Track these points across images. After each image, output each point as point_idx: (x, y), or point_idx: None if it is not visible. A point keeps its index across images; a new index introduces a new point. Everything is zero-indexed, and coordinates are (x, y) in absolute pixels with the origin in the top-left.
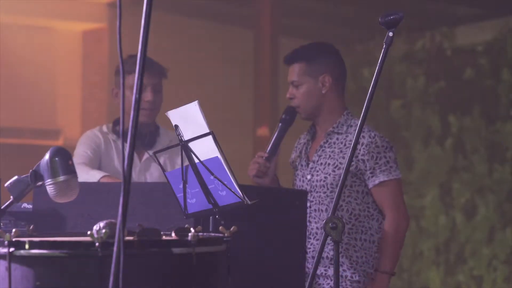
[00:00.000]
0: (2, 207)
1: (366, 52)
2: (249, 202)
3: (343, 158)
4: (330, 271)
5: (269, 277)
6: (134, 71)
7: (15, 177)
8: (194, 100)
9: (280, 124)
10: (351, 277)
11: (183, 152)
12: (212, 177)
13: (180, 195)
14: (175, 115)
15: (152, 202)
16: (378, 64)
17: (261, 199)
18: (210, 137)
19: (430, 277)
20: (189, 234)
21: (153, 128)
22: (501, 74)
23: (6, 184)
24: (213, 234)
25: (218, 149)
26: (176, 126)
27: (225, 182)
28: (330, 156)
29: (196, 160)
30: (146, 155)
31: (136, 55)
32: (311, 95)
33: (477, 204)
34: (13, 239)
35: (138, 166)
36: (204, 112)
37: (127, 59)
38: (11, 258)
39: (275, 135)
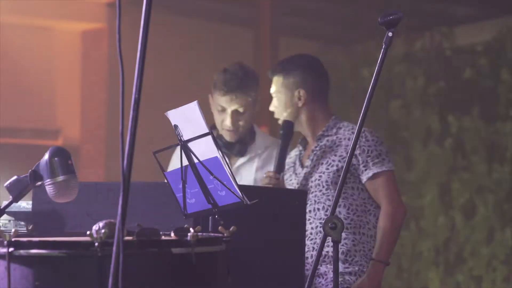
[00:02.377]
0: (1, 207)
1: (365, 52)
2: (248, 202)
3: (335, 155)
4: (322, 269)
5: (268, 277)
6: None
7: (15, 177)
8: (193, 100)
9: (280, 141)
10: (349, 272)
11: (183, 152)
12: (211, 177)
13: (179, 195)
14: (175, 115)
15: (152, 202)
16: (377, 64)
17: (261, 199)
18: (209, 137)
19: (430, 277)
20: (189, 234)
21: (245, 136)
22: (501, 74)
23: (5, 184)
24: (212, 234)
25: (217, 149)
26: (176, 126)
27: (225, 182)
28: (322, 156)
29: (196, 160)
30: (238, 162)
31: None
32: (287, 106)
33: (476, 204)
34: (13, 239)
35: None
36: (203, 112)
37: (225, 74)
38: (10, 258)
39: (278, 152)
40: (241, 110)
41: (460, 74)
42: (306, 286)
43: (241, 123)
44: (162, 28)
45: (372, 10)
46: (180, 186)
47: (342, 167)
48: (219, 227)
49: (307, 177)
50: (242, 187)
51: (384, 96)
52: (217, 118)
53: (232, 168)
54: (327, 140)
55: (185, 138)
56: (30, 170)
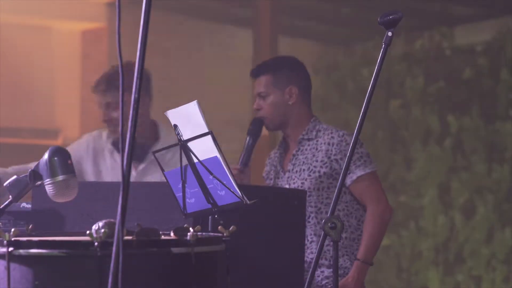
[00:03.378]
0: (1, 207)
1: (365, 52)
2: (248, 202)
3: (317, 161)
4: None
5: (268, 276)
6: (104, 91)
7: (14, 177)
8: (193, 100)
9: (248, 136)
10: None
11: (182, 152)
12: (211, 177)
13: (179, 195)
14: (174, 115)
15: (151, 201)
16: (377, 64)
17: (260, 199)
18: (209, 137)
19: (429, 277)
20: (188, 233)
21: (147, 141)
22: (500, 74)
23: (5, 184)
24: (212, 233)
25: (217, 149)
26: (175, 125)
27: (224, 182)
28: (304, 162)
29: (195, 160)
30: (141, 166)
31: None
32: (278, 105)
33: (476, 204)
34: (12, 239)
35: (133, 177)
36: (203, 112)
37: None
38: (10, 257)
39: (245, 147)
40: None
41: (460, 74)
42: (305, 285)
43: (114, 115)
44: (161, 28)
45: (371, 10)
46: (180, 185)
47: (324, 173)
48: (219, 227)
49: (289, 182)
50: (242, 187)
51: (383, 96)
52: (106, 115)
53: (137, 173)
54: (308, 145)
55: (185, 137)
56: (29, 170)
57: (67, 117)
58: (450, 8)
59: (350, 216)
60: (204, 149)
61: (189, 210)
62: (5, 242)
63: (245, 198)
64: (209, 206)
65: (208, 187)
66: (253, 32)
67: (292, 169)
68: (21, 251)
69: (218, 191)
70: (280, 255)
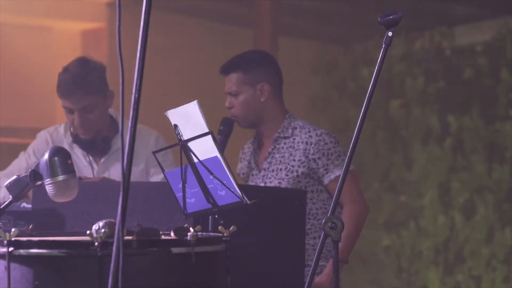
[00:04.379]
0: (1, 207)
1: (365, 52)
2: (248, 202)
3: (294, 160)
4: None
5: (268, 276)
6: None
7: (15, 177)
8: (193, 100)
9: (219, 136)
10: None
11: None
12: (211, 177)
13: (179, 195)
14: (175, 115)
15: (151, 201)
16: (377, 64)
17: (260, 199)
18: (209, 137)
19: (429, 276)
20: (188, 233)
21: (107, 130)
22: (500, 74)
23: (5, 184)
24: (212, 233)
25: (217, 149)
26: (176, 125)
27: (224, 182)
28: (280, 161)
29: (196, 160)
30: (103, 159)
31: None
32: (250, 103)
33: (476, 204)
34: (12, 239)
35: (95, 169)
36: (203, 112)
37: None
38: (10, 257)
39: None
40: (88, 109)
41: (460, 74)
42: (306, 285)
43: (92, 120)
44: (161, 27)
45: (372, 10)
46: (180, 185)
47: (302, 172)
48: (219, 227)
49: (265, 180)
50: (242, 187)
51: (383, 95)
52: (67, 117)
53: (98, 166)
54: (285, 143)
55: (185, 137)
56: (30, 170)
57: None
58: (450, 8)
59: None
60: (204, 149)
61: (189, 210)
62: (5, 242)
63: (245, 198)
64: (209, 206)
65: (208, 187)
66: (253, 31)
67: (268, 168)
68: (21, 251)
69: (218, 191)
70: (280, 255)
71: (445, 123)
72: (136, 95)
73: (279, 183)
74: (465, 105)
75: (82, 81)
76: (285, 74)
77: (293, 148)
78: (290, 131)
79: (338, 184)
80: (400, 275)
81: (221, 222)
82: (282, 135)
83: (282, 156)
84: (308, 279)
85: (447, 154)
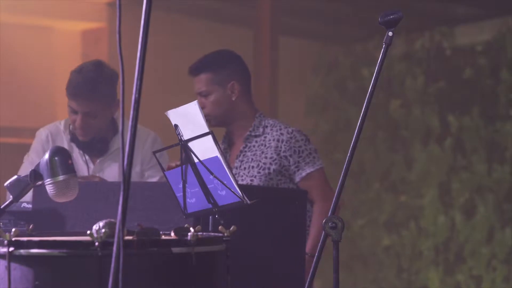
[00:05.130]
0: (1, 207)
1: (365, 52)
2: (248, 202)
3: (266, 158)
4: None
5: (268, 276)
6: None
7: (15, 177)
8: (193, 100)
9: None
10: None
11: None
12: (211, 177)
13: (179, 195)
14: (175, 115)
15: (152, 201)
16: (378, 64)
17: (261, 199)
18: (209, 137)
19: (429, 276)
20: (189, 233)
21: (106, 132)
22: (501, 74)
23: (5, 184)
24: (212, 233)
25: (218, 149)
26: (176, 125)
27: (225, 182)
28: (252, 159)
29: (196, 160)
30: (99, 159)
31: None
32: (221, 103)
33: (476, 204)
34: (13, 239)
35: (91, 168)
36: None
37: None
38: (10, 257)
39: None
40: (92, 114)
41: (460, 74)
42: (306, 285)
43: (94, 125)
44: (161, 27)
45: (372, 9)
46: (180, 185)
47: (274, 169)
48: (219, 227)
49: (236, 178)
50: (242, 187)
51: (384, 95)
52: (70, 116)
53: (94, 166)
54: (256, 141)
55: (185, 137)
56: (30, 170)
57: (67, 117)
58: (450, 8)
59: None
60: (205, 149)
61: (190, 210)
62: (5, 242)
63: (245, 198)
64: (210, 206)
65: (208, 187)
66: (253, 31)
67: (240, 166)
68: (22, 251)
69: (219, 191)
70: (281, 255)
71: (445, 123)
72: (137, 95)
73: (251, 180)
74: (465, 105)
75: (93, 87)
76: (285, 74)
77: (265, 145)
78: (261, 129)
79: (338, 185)
80: (401, 275)
81: (222, 222)
82: (253, 134)
83: (254, 154)
84: (308, 279)
85: (447, 154)
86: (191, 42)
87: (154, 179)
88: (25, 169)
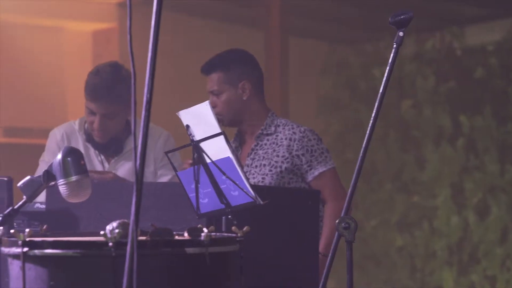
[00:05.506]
0: (15, 207)
1: (376, 52)
2: (261, 202)
3: (278, 156)
4: None
5: (281, 277)
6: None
7: (28, 177)
8: (204, 101)
9: None
10: None
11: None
12: (224, 177)
13: (192, 195)
14: (186, 115)
15: (165, 202)
16: (388, 64)
17: (274, 199)
18: (221, 137)
19: (443, 277)
20: (202, 234)
21: (121, 133)
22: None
23: (19, 184)
24: (226, 234)
25: (230, 149)
26: (188, 126)
27: (237, 182)
28: (264, 157)
29: (208, 160)
30: (114, 159)
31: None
32: (232, 102)
33: (489, 204)
34: (27, 239)
35: (106, 168)
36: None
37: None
38: (25, 258)
39: None
40: (111, 116)
41: (471, 74)
42: (320, 285)
43: (111, 126)
44: (171, 28)
45: (382, 10)
46: (193, 186)
47: (286, 168)
48: (232, 227)
49: (248, 177)
50: (255, 187)
51: (395, 95)
52: (87, 118)
53: (109, 165)
54: (268, 140)
55: (197, 138)
56: (43, 170)
57: (78, 117)
58: (460, 8)
59: None
60: (217, 150)
61: (203, 210)
62: (20, 242)
63: (258, 198)
64: (223, 206)
65: (221, 187)
66: (263, 32)
67: (251, 164)
68: (36, 251)
69: (231, 192)
70: (294, 255)
71: (457, 123)
72: (148, 96)
73: (262, 178)
74: (476, 105)
75: (112, 89)
76: (296, 74)
77: (276, 144)
78: (273, 128)
79: (351, 185)
80: (414, 276)
81: (235, 222)
82: (265, 132)
83: (265, 152)
84: (322, 280)
85: (460, 154)
86: (202, 43)
87: (166, 178)
88: (41, 171)
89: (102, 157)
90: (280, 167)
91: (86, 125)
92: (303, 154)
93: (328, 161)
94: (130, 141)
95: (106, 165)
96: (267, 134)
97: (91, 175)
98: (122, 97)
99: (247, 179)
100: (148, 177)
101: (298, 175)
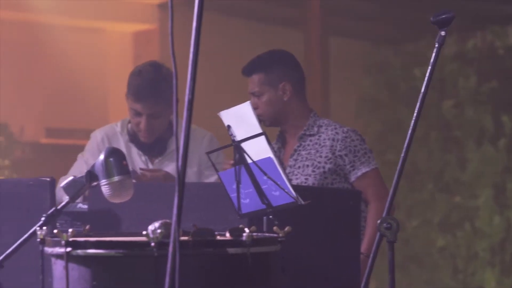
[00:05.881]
0: (58, 207)
1: (417, 52)
2: (302, 202)
3: (321, 157)
4: None
5: (323, 277)
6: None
7: (71, 178)
8: (245, 101)
9: None
10: None
11: (236, 153)
12: (265, 177)
13: (233, 195)
14: (228, 116)
15: (206, 202)
16: (430, 64)
17: (315, 199)
18: (262, 137)
19: (485, 278)
20: (244, 234)
21: (164, 133)
22: None
23: (62, 185)
24: (267, 234)
25: (271, 150)
26: (229, 126)
27: (278, 182)
28: (307, 158)
29: (249, 161)
30: (158, 159)
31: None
32: (273, 103)
33: None
34: (70, 239)
35: (150, 168)
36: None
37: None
38: (68, 258)
39: None
40: (156, 115)
41: None
42: (362, 286)
43: (157, 126)
44: (211, 29)
45: (423, 9)
46: (234, 186)
47: (329, 169)
48: (274, 227)
49: (290, 177)
50: (296, 187)
51: (436, 95)
52: (132, 119)
53: (153, 166)
54: (310, 140)
55: (238, 138)
56: (86, 171)
57: (119, 118)
58: (502, 7)
59: None
60: (258, 150)
61: (244, 210)
62: (63, 242)
63: (299, 198)
64: (264, 206)
65: (262, 187)
66: (303, 32)
67: (294, 165)
68: (79, 251)
69: (273, 192)
70: (335, 255)
71: (498, 123)
72: (190, 96)
73: (305, 179)
74: None
75: (155, 88)
76: (336, 74)
77: (319, 145)
78: (315, 128)
79: (393, 186)
80: (456, 276)
81: (276, 222)
82: (307, 133)
83: (308, 153)
84: (364, 280)
85: (501, 154)
86: (241, 44)
87: (213, 178)
88: (78, 167)
89: (146, 157)
90: (323, 167)
91: (129, 126)
92: (346, 155)
93: (371, 161)
94: (173, 141)
95: (150, 165)
96: (310, 135)
97: (143, 173)
98: (165, 95)
99: (289, 179)
100: (190, 177)
101: (341, 176)
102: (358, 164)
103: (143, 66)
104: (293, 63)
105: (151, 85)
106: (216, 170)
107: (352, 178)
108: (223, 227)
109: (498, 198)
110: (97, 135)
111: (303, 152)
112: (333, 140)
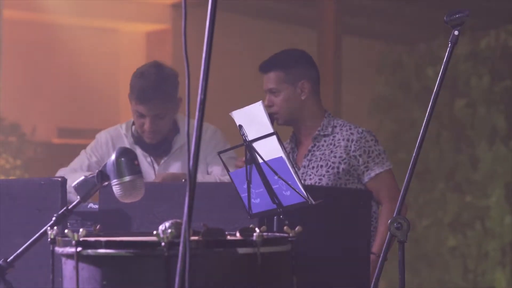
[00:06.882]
0: (69, 207)
1: (430, 51)
2: (313, 202)
3: (335, 157)
4: None
5: (333, 277)
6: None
7: (82, 177)
8: (258, 101)
9: None
10: None
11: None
12: (276, 177)
13: (244, 195)
14: (239, 115)
15: (216, 202)
16: (443, 63)
17: (325, 199)
18: (274, 137)
19: (496, 278)
20: (254, 234)
21: (168, 133)
22: None
23: (73, 184)
24: (277, 234)
25: (282, 149)
26: (240, 126)
27: (289, 182)
28: (321, 158)
29: (260, 160)
30: (163, 159)
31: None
32: (290, 101)
33: None
34: (80, 239)
35: (157, 169)
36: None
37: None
38: (78, 257)
39: None
40: (161, 116)
41: None
42: (372, 285)
43: (162, 126)
44: (225, 29)
45: (436, 8)
46: (245, 186)
47: (343, 169)
48: (284, 227)
49: (304, 177)
50: (307, 187)
51: (448, 95)
52: (136, 121)
53: (159, 166)
54: (325, 141)
55: (249, 138)
56: (97, 171)
57: (131, 118)
58: None
59: None
60: (269, 150)
61: (254, 210)
62: (73, 242)
63: (310, 198)
64: (274, 206)
65: (273, 187)
66: (317, 31)
67: (308, 165)
68: (89, 251)
69: (284, 191)
70: (346, 255)
71: (511, 123)
72: (202, 96)
73: (319, 179)
74: None
75: (159, 89)
76: (350, 74)
77: (334, 145)
78: (330, 129)
79: (404, 185)
80: (466, 276)
81: (286, 222)
82: (322, 133)
83: (323, 153)
84: (374, 281)
85: None
86: (254, 43)
87: (216, 167)
88: (79, 161)
89: (151, 158)
90: (338, 168)
91: (133, 128)
92: (360, 155)
93: (385, 162)
94: (178, 140)
95: (156, 166)
96: (324, 135)
97: (166, 178)
98: (169, 95)
99: (299, 179)
100: (199, 176)
101: (354, 176)
102: (372, 165)
103: (145, 67)
104: (312, 63)
105: (154, 87)
106: (228, 171)
107: (366, 178)
108: (234, 227)
109: (510, 198)
110: (102, 137)
111: (317, 153)
112: (348, 140)
